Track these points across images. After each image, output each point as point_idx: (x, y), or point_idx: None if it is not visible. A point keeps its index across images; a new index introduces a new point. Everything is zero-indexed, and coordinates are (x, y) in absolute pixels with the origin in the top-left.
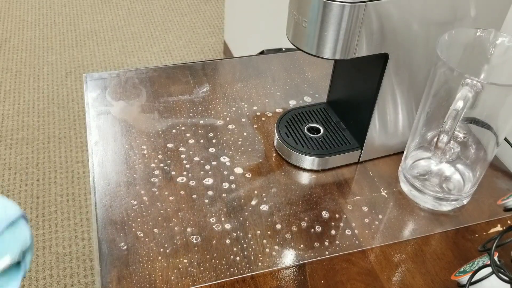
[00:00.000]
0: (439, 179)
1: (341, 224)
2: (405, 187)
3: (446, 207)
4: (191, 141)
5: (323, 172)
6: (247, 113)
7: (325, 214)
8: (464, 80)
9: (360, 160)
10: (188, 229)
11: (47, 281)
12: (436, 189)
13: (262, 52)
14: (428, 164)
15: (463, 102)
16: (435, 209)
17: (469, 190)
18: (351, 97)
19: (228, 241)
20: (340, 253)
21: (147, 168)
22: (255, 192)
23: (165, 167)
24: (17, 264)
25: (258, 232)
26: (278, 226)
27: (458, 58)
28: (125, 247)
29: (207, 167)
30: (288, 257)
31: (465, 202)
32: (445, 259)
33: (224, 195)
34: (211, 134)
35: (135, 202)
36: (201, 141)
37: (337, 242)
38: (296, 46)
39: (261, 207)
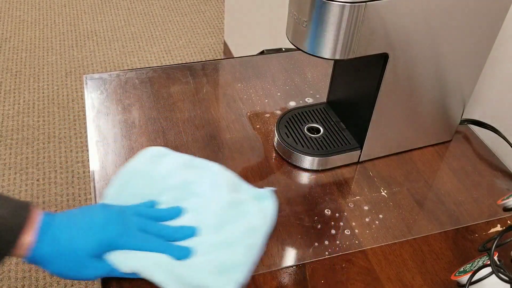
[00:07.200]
0: None
1: (341, 224)
2: None
3: None
4: (191, 141)
5: (323, 172)
6: (247, 113)
7: (325, 214)
8: None
9: (360, 160)
10: None
11: (47, 281)
12: None
13: (262, 52)
14: None
15: None
16: None
17: None
18: (351, 97)
19: None
20: (340, 253)
21: None
22: None
23: None
24: None
25: None
26: (278, 226)
27: None
28: None
29: None
30: (288, 257)
31: None
32: (445, 259)
33: None
34: (211, 134)
35: None
36: (201, 141)
37: (337, 242)
38: (296, 46)
39: None
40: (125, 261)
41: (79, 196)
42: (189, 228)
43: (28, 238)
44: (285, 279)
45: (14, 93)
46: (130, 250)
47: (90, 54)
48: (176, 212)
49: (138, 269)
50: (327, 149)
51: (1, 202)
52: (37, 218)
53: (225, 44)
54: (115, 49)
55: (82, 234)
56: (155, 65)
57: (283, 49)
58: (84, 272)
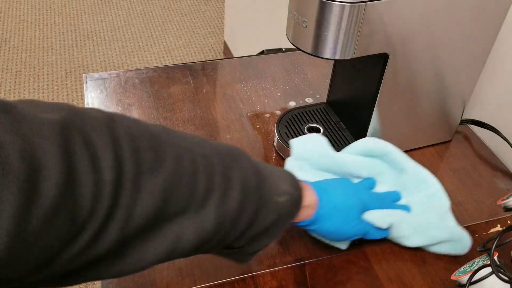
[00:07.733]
0: None
1: None
2: None
3: None
4: None
5: None
6: (247, 113)
7: None
8: None
9: None
10: None
11: None
12: None
13: (262, 52)
14: None
15: None
16: None
17: None
18: (351, 97)
19: None
20: (340, 253)
21: None
22: None
23: None
24: None
25: None
26: None
27: None
28: None
29: None
30: (288, 257)
31: None
32: (445, 259)
33: None
34: (211, 134)
35: None
36: None
37: None
38: (296, 46)
39: None
40: (380, 218)
41: None
42: (395, 192)
43: (312, 197)
44: (285, 279)
45: (14, 93)
46: (377, 210)
47: (90, 54)
48: (373, 183)
49: (391, 222)
50: None
51: (270, 169)
52: (302, 182)
53: (225, 44)
54: (115, 49)
55: (346, 196)
56: (155, 65)
57: (283, 49)
58: (354, 228)
